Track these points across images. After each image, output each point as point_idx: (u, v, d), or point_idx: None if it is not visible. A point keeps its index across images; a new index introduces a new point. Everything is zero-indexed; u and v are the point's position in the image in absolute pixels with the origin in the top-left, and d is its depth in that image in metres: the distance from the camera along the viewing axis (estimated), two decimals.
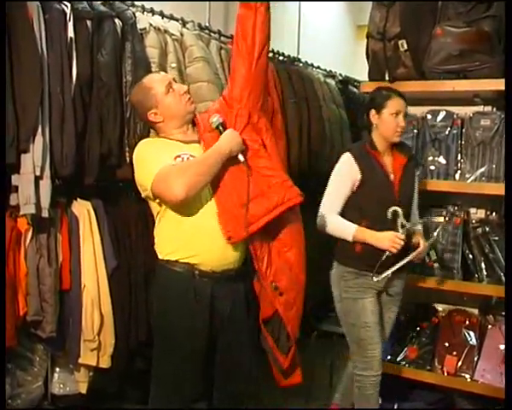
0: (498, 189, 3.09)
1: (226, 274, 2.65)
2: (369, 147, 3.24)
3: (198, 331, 2.62)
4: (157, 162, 2.57)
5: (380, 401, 3.45)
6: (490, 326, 3.64)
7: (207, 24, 4.49)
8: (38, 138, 3.06)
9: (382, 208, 3.13)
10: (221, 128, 2.67)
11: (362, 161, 3.23)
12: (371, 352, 3.23)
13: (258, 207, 2.57)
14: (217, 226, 2.59)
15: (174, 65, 3.67)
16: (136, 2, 3.78)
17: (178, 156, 2.62)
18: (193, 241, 2.61)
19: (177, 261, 2.63)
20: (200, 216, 2.60)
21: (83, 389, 3.46)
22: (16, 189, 3.09)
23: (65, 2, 3.23)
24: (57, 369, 3.48)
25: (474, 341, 3.54)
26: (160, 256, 2.70)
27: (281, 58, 5.11)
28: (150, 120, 2.74)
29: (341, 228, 3.23)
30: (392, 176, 3.20)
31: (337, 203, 3.24)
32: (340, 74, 5.93)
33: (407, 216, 3.19)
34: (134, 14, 3.61)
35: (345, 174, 3.25)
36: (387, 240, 3.10)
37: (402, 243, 3.09)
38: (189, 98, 2.73)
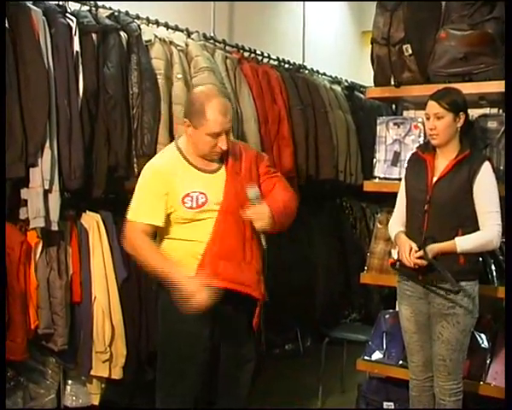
0: None
1: None
2: (419, 150, 3.21)
3: (201, 340, 2.70)
4: (145, 206, 2.70)
5: (392, 406, 3.43)
6: (502, 329, 3.62)
7: (212, 34, 4.52)
8: (47, 152, 3.09)
9: (413, 210, 3.08)
10: (255, 202, 2.72)
11: (409, 164, 3.23)
12: (410, 357, 3.22)
13: (229, 270, 2.66)
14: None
15: (180, 76, 3.68)
16: (140, 14, 3.81)
17: (187, 195, 2.67)
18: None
19: None
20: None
21: (95, 401, 3.48)
22: (25, 202, 3.11)
23: (70, 16, 3.27)
24: (69, 381, 3.50)
25: (485, 343, 3.50)
26: None
27: (286, 66, 5.13)
28: (184, 123, 2.78)
29: (390, 232, 3.25)
30: (435, 178, 3.05)
31: (396, 208, 3.25)
32: (346, 80, 5.93)
33: (441, 217, 2.99)
34: (139, 26, 3.64)
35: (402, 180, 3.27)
36: (401, 248, 3.01)
37: (408, 254, 2.93)
38: (219, 152, 2.71)
